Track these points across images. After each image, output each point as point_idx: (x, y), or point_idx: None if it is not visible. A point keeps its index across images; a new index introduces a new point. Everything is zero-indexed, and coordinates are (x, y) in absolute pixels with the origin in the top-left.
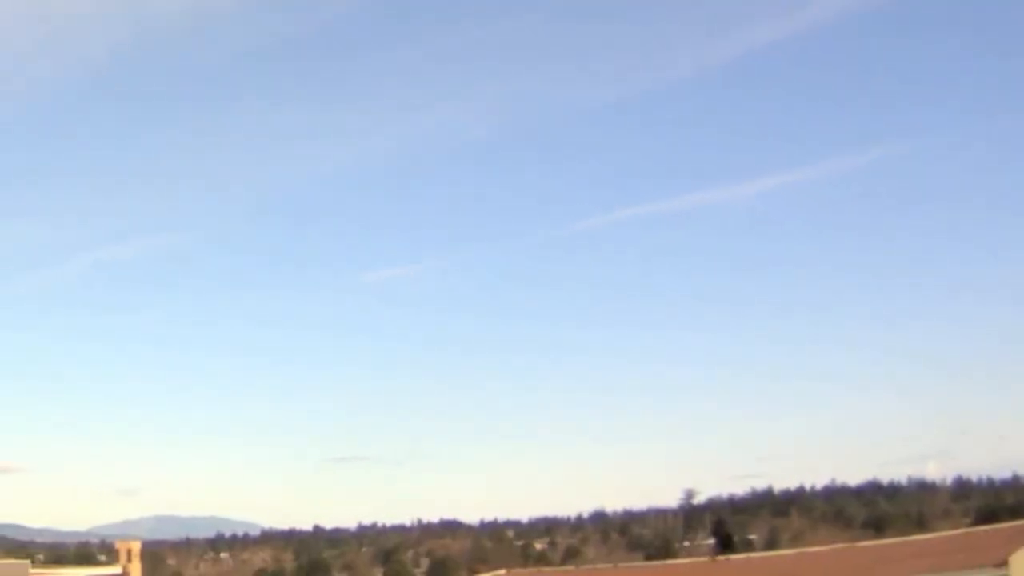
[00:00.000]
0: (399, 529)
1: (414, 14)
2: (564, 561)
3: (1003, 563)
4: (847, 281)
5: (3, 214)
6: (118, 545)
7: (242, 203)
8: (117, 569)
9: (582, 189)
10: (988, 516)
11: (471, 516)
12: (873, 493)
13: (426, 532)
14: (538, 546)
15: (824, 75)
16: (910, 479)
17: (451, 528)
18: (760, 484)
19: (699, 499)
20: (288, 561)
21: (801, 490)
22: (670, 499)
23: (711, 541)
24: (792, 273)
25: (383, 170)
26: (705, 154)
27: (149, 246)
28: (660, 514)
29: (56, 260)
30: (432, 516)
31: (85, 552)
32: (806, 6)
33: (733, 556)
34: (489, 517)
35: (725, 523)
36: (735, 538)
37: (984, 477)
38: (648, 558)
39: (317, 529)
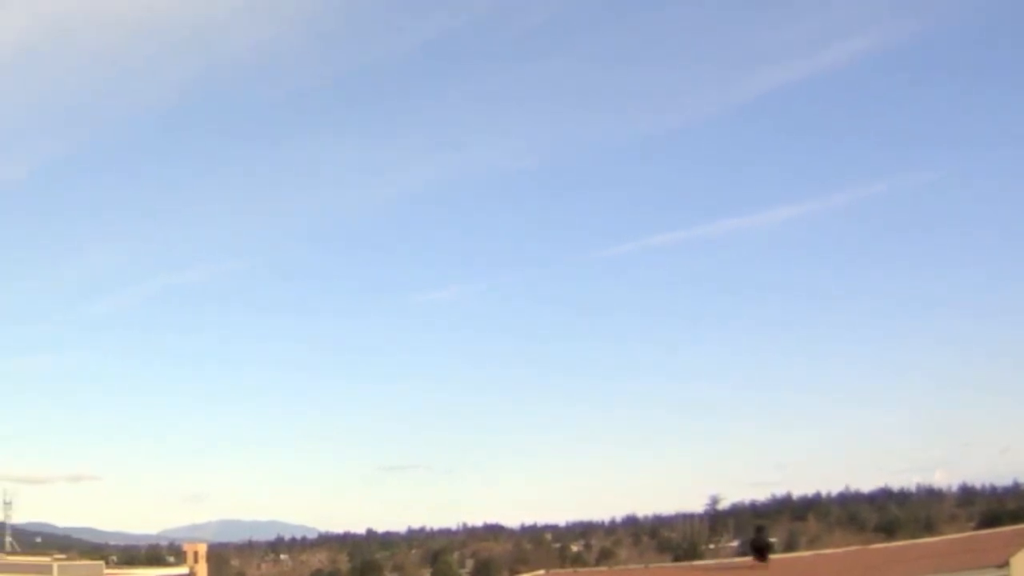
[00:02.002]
0: (446, 532)
1: (459, 58)
2: (598, 562)
3: (1005, 564)
4: (859, 302)
5: (81, 242)
6: (186, 547)
7: (299, 231)
8: (185, 570)
9: (615, 217)
10: (991, 520)
11: (512, 520)
12: (884, 499)
13: (471, 535)
14: (574, 548)
15: (837, 112)
16: (919, 486)
17: (494, 531)
18: (780, 491)
19: (723, 504)
20: (343, 562)
21: (818, 496)
22: (696, 504)
23: (735, 543)
24: (808, 295)
25: (431, 200)
26: (728, 185)
27: (213, 271)
28: (687, 518)
29: (129, 284)
30: (476, 520)
31: (155, 554)
32: (819, 51)
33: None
34: (529, 521)
35: (764, 529)
36: (772, 542)
37: (987, 484)
38: (676, 559)
39: (370, 532)
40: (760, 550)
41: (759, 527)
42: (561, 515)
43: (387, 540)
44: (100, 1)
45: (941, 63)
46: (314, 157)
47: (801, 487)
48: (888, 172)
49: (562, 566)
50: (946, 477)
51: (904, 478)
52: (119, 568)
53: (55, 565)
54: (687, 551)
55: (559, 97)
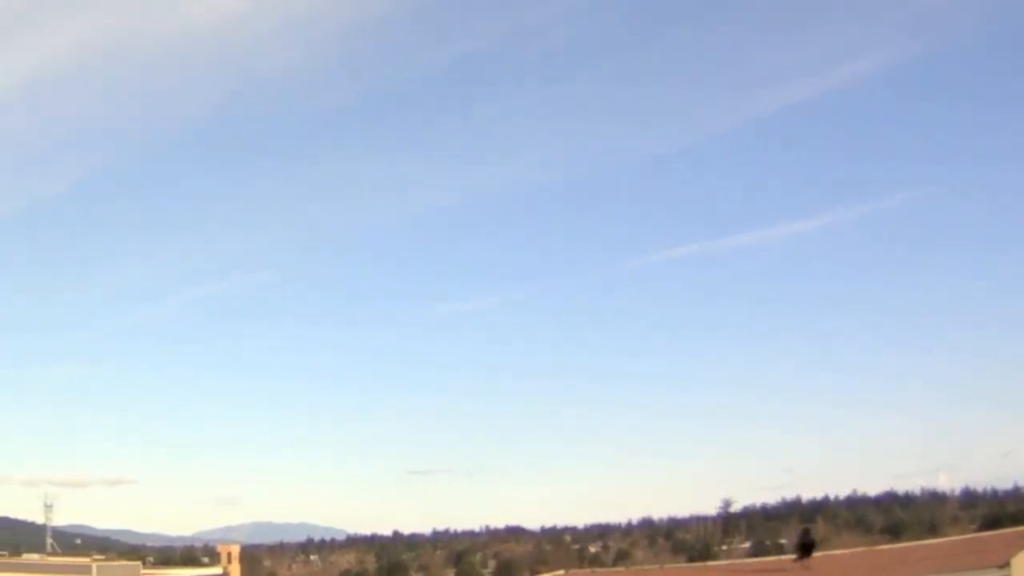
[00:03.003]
0: (469, 534)
1: (482, 78)
2: (615, 563)
3: (1005, 564)
4: (866, 312)
5: (114, 255)
6: (219, 548)
7: (327, 244)
8: (218, 570)
9: (633, 231)
10: (992, 523)
11: (533, 523)
12: (890, 502)
13: (493, 537)
14: (592, 549)
15: (847, 129)
16: (923, 489)
17: (515, 533)
18: (789, 494)
19: (735, 507)
20: (370, 563)
21: (826, 499)
22: (710, 507)
23: (747, 544)
24: (817, 305)
25: (455, 215)
26: (741, 200)
27: (244, 283)
28: (701, 521)
29: (160, 295)
30: (498, 522)
31: (190, 555)
32: (829, 71)
33: (766, 558)
34: (549, 524)
35: (810, 530)
36: (815, 542)
37: (989, 488)
38: (690, 560)
39: (396, 534)
40: (806, 547)
41: (806, 528)
42: (579, 517)
43: (413, 541)
44: (137, 23)
45: (945, 81)
46: (342, 173)
47: (810, 490)
48: (894, 188)
49: (580, 567)
50: (949, 481)
51: (909, 482)
52: (155, 568)
53: (94, 565)
54: (701, 552)
55: (579, 115)
